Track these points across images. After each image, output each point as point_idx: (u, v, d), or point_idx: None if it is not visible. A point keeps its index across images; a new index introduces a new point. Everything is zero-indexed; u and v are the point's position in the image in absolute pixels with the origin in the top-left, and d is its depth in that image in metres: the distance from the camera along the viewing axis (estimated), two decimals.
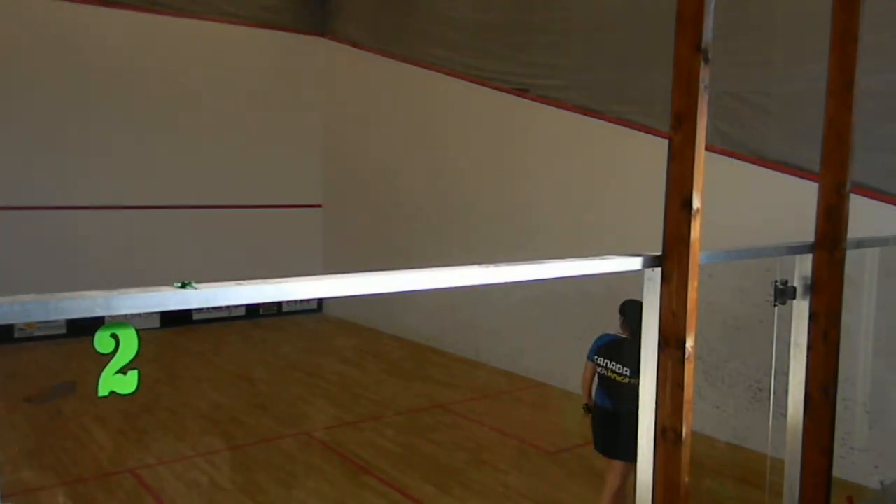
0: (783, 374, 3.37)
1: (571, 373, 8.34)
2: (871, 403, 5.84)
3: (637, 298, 2.52)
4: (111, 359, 1.47)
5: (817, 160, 3.22)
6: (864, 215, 4.38)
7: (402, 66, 11.13)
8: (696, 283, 2.35)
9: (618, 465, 4.62)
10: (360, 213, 12.27)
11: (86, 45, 10.94)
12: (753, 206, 6.64)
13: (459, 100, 10.23)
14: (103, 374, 1.48)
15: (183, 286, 1.52)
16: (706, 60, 2.26)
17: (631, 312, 4.52)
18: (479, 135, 9.96)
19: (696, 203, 2.30)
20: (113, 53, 11.11)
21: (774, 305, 3.19)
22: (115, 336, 1.44)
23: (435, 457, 6.47)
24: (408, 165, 11.21)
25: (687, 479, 2.41)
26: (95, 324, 1.55)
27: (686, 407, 2.36)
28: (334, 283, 1.78)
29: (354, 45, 12.25)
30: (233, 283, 1.59)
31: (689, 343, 2.34)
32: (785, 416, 3.31)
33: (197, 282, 1.54)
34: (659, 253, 2.38)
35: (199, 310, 10.67)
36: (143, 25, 11.36)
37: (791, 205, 5.62)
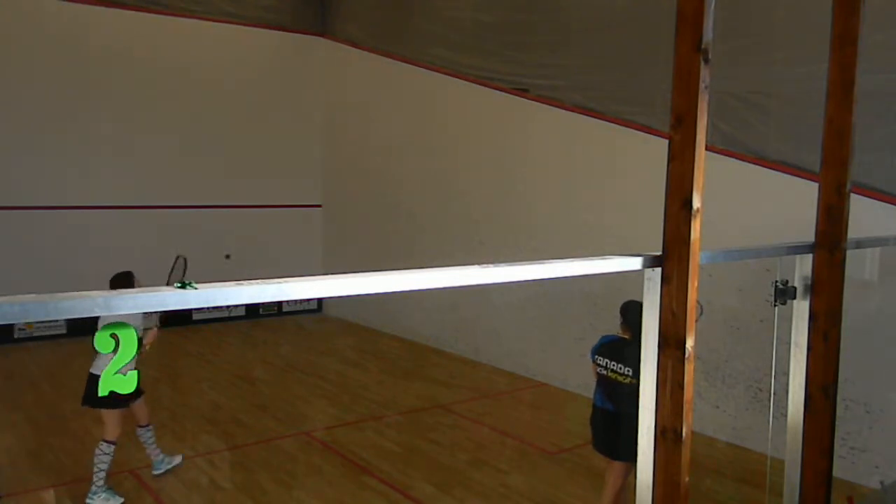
0: (783, 374, 3.37)
1: (571, 373, 8.36)
2: (871, 403, 5.84)
3: (637, 299, 2.51)
4: (111, 359, 1.48)
5: (817, 160, 3.22)
6: (864, 215, 4.38)
7: (402, 65, 11.14)
8: (696, 283, 2.35)
9: (618, 466, 4.62)
10: (360, 213, 12.28)
11: (86, 45, 10.94)
12: (753, 206, 6.64)
13: (459, 100, 10.23)
14: (103, 374, 1.48)
15: (183, 286, 1.52)
16: (706, 60, 2.26)
17: (631, 313, 4.52)
18: (479, 135, 9.96)
19: (696, 203, 2.30)
20: (113, 53, 11.11)
21: (774, 305, 3.19)
22: (114, 336, 1.44)
23: (435, 457, 6.47)
24: (407, 165, 11.21)
25: (687, 479, 2.41)
26: (95, 324, 1.54)
27: (686, 407, 2.36)
28: (334, 283, 1.78)
29: (354, 45, 12.25)
30: (233, 283, 1.59)
31: (689, 343, 2.34)
32: (785, 416, 3.31)
33: (197, 282, 1.54)
34: (659, 253, 2.38)
35: (199, 310, 10.70)
36: (143, 25, 11.36)
37: (791, 205, 5.62)
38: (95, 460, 5.25)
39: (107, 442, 5.29)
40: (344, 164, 12.78)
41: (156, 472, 5.77)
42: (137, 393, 5.51)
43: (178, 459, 5.97)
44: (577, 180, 8.57)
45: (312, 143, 13.07)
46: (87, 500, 5.25)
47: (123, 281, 5.50)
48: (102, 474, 5.27)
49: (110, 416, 5.33)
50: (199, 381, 8.91)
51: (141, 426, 5.70)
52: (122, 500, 5.36)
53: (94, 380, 5.36)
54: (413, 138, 11.12)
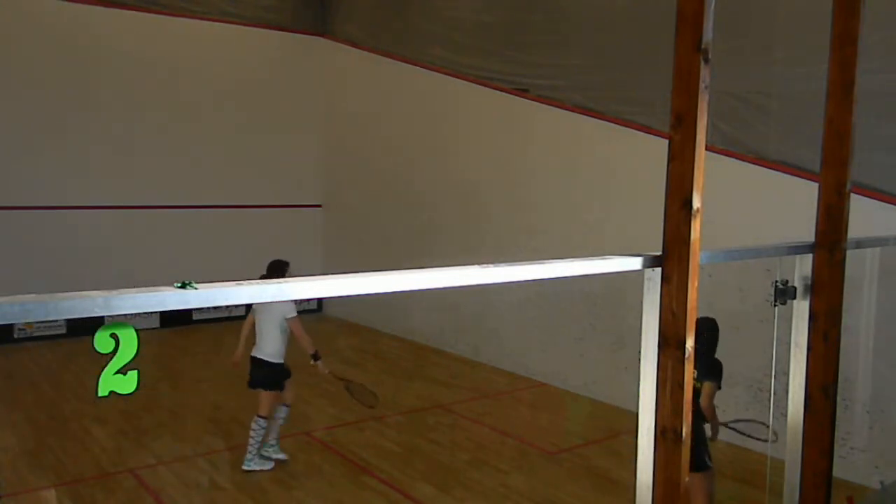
0: (783, 374, 3.37)
1: (571, 373, 8.36)
2: (871, 403, 5.84)
3: (639, 301, 2.49)
4: (111, 359, 1.47)
5: (817, 160, 3.22)
6: (864, 215, 4.38)
7: (402, 65, 11.14)
8: (696, 283, 2.35)
9: (696, 479, 4.20)
10: (360, 213, 12.27)
11: (86, 45, 10.94)
12: (753, 206, 6.64)
13: (459, 100, 10.23)
14: (103, 374, 1.48)
15: (183, 286, 1.51)
16: (706, 60, 2.26)
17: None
18: (479, 135, 9.96)
19: (696, 203, 2.30)
20: (113, 53, 11.11)
21: (774, 305, 3.19)
22: (114, 336, 1.44)
23: (435, 457, 6.47)
24: (407, 165, 11.21)
25: (687, 479, 2.41)
26: (95, 324, 1.55)
27: (686, 407, 2.36)
28: (334, 283, 1.78)
29: (354, 45, 12.25)
30: (233, 283, 1.59)
31: (689, 343, 2.34)
32: (785, 416, 3.31)
33: (197, 282, 1.54)
34: (659, 253, 2.38)
35: (199, 310, 10.68)
36: (143, 25, 11.36)
37: (791, 205, 5.62)
38: (251, 432, 5.99)
39: (261, 417, 6.00)
40: (344, 164, 12.78)
41: (244, 467, 6.06)
42: (287, 374, 6.18)
43: (282, 456, 6.27)
44: (577, 180, 8.57)
45: (312, 143, 13.07)
46: (244, 466, 5.97)
47: (278, 268, 6.18)
48: (256, 444, 6.01)
49: (266, 397, 6.04)
50: (199, 381, 8.91)
51: (284, 405, 6.23)
52: (272, 464, 6.10)
53: (257, 363, 6.08)
54: (413, 138, 11.12)
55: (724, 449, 6.59)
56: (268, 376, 6.06)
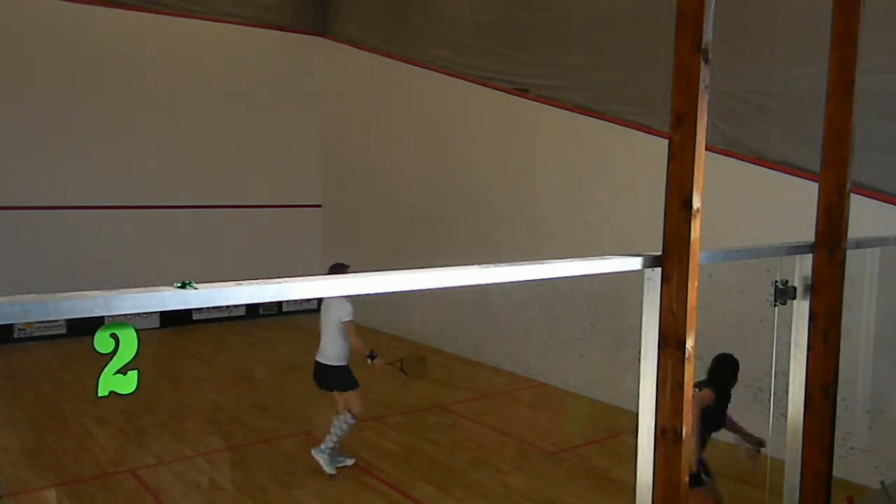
0: (783, 374, 3.37)
1: (571, 373, 8.36)
2: (871, 403, 5.84)
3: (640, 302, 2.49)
4: (111, 359, 1.47)
5: (817, 160, 3.22)
6: (864, 215, 4.38)
7: (402, 65, 11.13)
8: (696, 283, 2.34)
9: (697, 494, 4.15)
10: (360, 213, 12.27)
11: (86, 45, 10.94)
12: (753, 206, 6.64)
13: (459, 100, 10.23)
14: (103, 374, 1.48)
15: (183, 286, 1.51)
16: (706, 60, 2.26)
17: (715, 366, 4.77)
18: (479, 135, 9.96)
19: (696, 203, 2.30)
20: (112, 53, 11.10)
21: (774, 305, 3.19)
22: (114, 336, 1.44)
23: (435, 457, 6.47)
24: (407, 165, 11.21)
25: (687, 478, 2.41)
26: (95, 324, 1.55)
27: (686, 407, 2.36)
28: (334, 283, 1.78)
29: (354, 45, 12.25)
30: (233, 283, 1.59)
31: (689, 343, 2.34)
32: (785, 416, 3.31)
33: (197, 282, 1.54)
34: (659, 253, 2.38)
35: (199, 310, 10.68)
36: (142, 25, 11.36)
37: (791, 205, 5.62)
38: (336, 427, 5.97)
39: (353, 416, 6.05)
40: (344, 164, 12.78)
41: (314, 451, 6.03)
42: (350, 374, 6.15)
43: (349, 462, 6.21)
44: (577, 180, 8.57)
45: (312, 143, 13.06)
46: (315, 453, 5.96)
47: (338, 271, 6.07)
48: (336, 440, 6.00)
49: (346, 398, 6.06)
50: (199, 381, 8.91)
51: (340, 414, 6.16)
52: (350, 461, 6.09)
53: (317, 366, 6.10)
54: (413, 138, 11.12)
55: (724, 448, 6.60)
56: (331, 378, 6.09)
